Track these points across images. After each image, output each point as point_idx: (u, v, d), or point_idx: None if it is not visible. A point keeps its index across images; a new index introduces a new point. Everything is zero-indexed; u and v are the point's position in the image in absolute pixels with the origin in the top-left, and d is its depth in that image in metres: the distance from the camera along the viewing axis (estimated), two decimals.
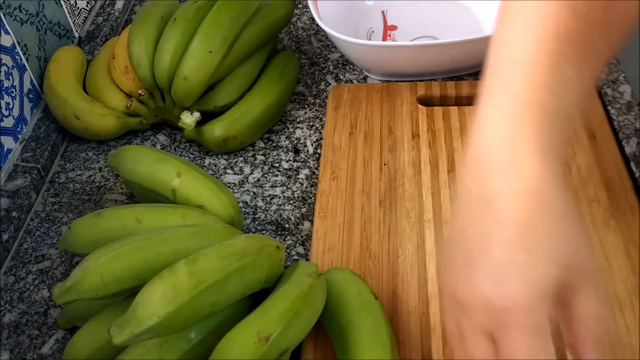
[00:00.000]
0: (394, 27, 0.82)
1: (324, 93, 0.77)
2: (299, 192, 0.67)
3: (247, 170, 0.70)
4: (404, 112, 0.70)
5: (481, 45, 0.70)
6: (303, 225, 0.64)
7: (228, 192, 0.59)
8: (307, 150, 0.71)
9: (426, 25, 0.82)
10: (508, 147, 0.34)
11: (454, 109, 0.69)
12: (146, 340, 0.46)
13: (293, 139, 0.72)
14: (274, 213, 0.66)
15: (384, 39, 0.81)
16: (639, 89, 0.74)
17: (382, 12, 0.83)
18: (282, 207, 0.66)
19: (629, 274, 0.54)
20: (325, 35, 0.85)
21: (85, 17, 0.86)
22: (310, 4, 0.73)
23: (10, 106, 0.70)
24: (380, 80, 0.77)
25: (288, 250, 0.62)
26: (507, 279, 0.33)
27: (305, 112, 0.75)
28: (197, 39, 0.67)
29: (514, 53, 0.36)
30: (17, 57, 0.71)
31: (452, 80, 0.74)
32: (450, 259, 0.37)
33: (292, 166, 0.70)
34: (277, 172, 0.69)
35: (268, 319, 0.45)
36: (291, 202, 0.66)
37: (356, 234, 0.60)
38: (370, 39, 0.80)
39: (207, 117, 0.71)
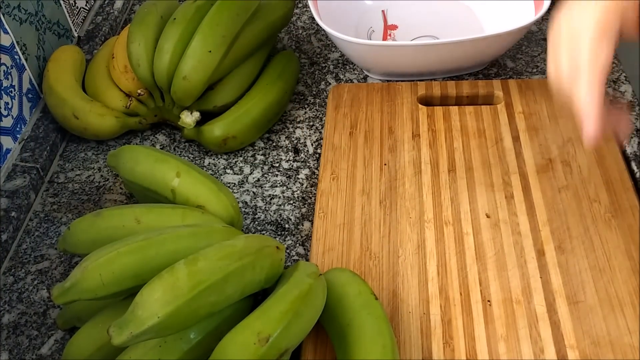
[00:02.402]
0: (394, 27, 0.82)
1: (324, 93, 0.77)
2: (299, 192, 0.67)
3: (247, 170, 0.70)
4: (404, 111, 0.70)
5: (482, 44, 0.70)
6: (303, 225, 0.64)
7: (228, 192, 0.59)
8: (307, 150, 0.71)
9: (427, 24, 0.82)
10: None
11: (454, 109, 0.69)
12: (146, 341, 0.46)
13: (293, 139, 0.72)
14: (274, 213, 0.65)
15: (384, 39, 0.81)
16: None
17: (383, 11, 0.83)
18: (282, 207, 0.66)
19: (630, 275, 0.54)
20: (326, 35, 0.84)
21: (84, 16, 0.86)
22: (310, 3, 0.73)
23: (9, 106, 0.70)
24: (380, 80, 0.77)
25: (288, 251, 0.62)
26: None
27: (305, 112, 0.75)
28: (197, 38, 0.67)
29: None
30: (16, 56, 0.70)
31: (453, 80, 0.74)
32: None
33: (292, 166, 0.70)
34: (277, 172, 0.69)
35: (268, 319, 0.45)
36: (291, 202, 0.66)
37: (356, 234, 0.59)
38: (370, 39, 0.80)
39: (207, 116, 0.71)
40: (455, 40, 0.68)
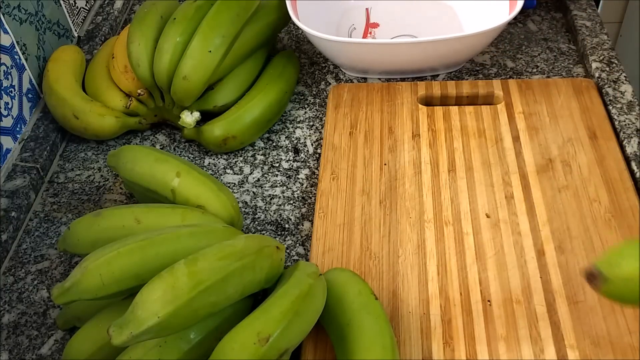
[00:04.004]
0: (375, 25, 0.82)
1: (324, 93, 0.77)
2: (299, 192, 0.67)
3: (247, 170, 0.70)
4: (404, 111, 0.70)
5: (454, 44, 0.69)
6: (303, 225, 0.64)
7: (228, 192, 0.59)
8: (307, 150, 0.71)
9: (409, 24, 0.81)
10: None
11: (454, 109, 0.69)
12: (146, 341, 0.46)
13: (293, 139, 0.72)
14: (274, 213, 0.65)
15: (365, 36, 0.81)
16: None
17: (367, 9, 0.83)
18: (282, 207, 0.66)
19: None
20: None
21: (84, 16, 0.86)
22: (288, 3, 0.72)
23: (9, 106, 0.70)
24: (380, 79, 0.77)
25: (288, 251, 0.62)
26: None
27: (305, 112, 0.75)
28: (197, 38, 0.67)
29: None
30: (16, 56, 0.70)
31: (453, 80, 0.74)
32: None
33: (292, 166, 0.70)
34: (277, 172, 0.69)
35: (268, 319, 0.45)
36: (291, 202, 0.66)
37: (356, 234, 0.59)
38: (351, 36, 0.80)
39: (207, 116, 0.71)
40: (430, 39, 0.67)
